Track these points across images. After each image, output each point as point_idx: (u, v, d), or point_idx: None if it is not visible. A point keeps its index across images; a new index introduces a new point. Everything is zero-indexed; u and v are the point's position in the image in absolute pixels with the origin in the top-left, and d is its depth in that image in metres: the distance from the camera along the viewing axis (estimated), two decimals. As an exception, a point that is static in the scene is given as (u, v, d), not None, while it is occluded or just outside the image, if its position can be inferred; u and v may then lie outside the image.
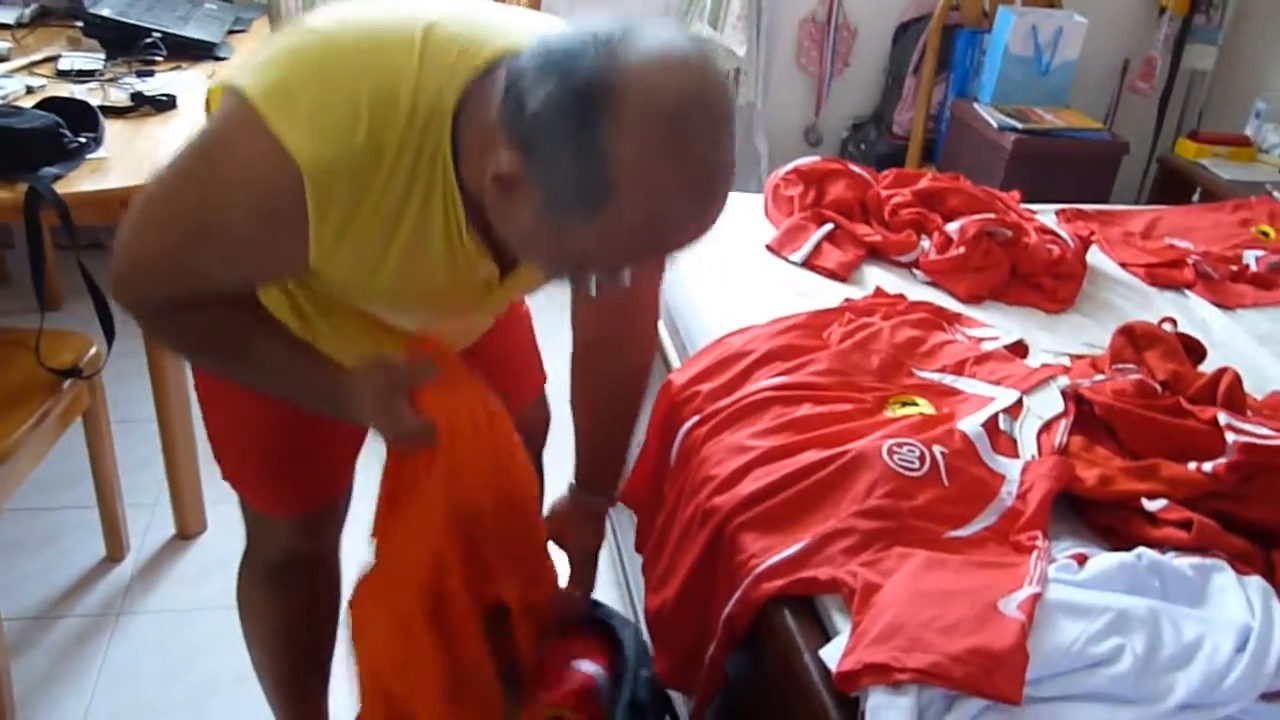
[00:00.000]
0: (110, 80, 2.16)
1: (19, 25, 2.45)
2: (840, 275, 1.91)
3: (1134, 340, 1.59)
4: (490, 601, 1.18)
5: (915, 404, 1.49)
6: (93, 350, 1.89)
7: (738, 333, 1.65)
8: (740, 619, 1.19)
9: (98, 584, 2.07)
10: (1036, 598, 1.07)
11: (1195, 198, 2.99)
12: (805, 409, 1.43)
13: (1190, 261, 2.12)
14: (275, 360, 1.06)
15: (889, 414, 1.46)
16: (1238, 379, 1.46)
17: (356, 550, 1.23)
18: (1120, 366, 1.55)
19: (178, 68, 2.31)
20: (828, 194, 2.13)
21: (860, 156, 3.48)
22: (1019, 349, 1.70)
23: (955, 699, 0.99)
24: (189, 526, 2.19)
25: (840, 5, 3.43)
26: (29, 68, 2.21)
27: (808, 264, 1.94)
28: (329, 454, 1.35)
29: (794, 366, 1.54)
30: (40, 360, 1.77)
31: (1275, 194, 2.65)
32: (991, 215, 2.01)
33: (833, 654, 1.05)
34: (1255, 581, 1.18)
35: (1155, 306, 1.96)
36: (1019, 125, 3.03)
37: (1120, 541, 1.25)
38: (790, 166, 2.22)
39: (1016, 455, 1.39)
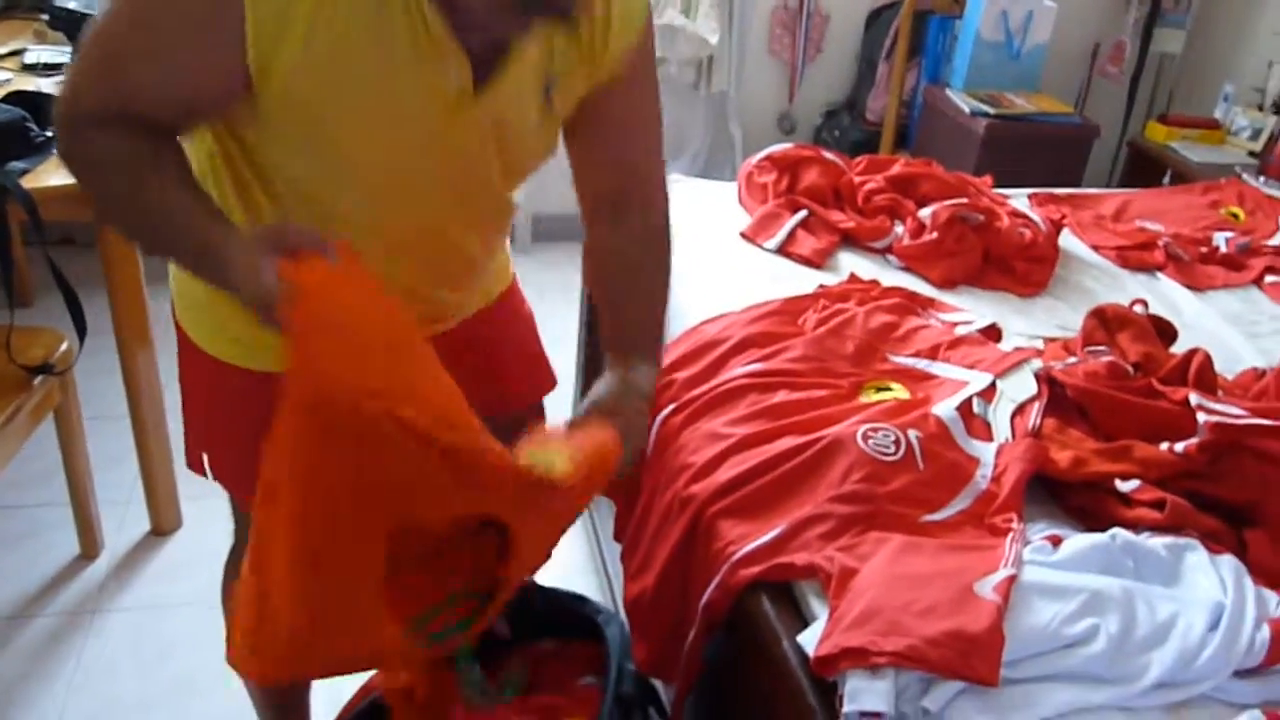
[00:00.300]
0: (76, 73, 2.13)
1: (-18, 18, 2.41)
2: (815, 262, 1.91)
3: (1106, 322, 1.60)
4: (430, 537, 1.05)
5: (890, 389, 1.50)
6: (64, 346, 1.87)
7: (713, 320, 1.65)
8: (718, 606, 1.19)
9: (71, 582, 2.05)
10: (1012, 580, 1.08)
11: (1166, 180, 3.02)
12: (781, 395, 1.44)
13: (1161, 244, 2.14)
14: (170, 202, 0.96)
15: (864, 399, 1.47)
16: (1208, 360, 1.48)
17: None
18: (1092, 349, 1.56)
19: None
20: (801, 181, 2.14)
21: (834, 143, 3.49)
22: (992, 333, 1.71)
23: (932, 681, 0.99)
24: (164, 523, 2.17)
25: (812, -9, 3.43)
26: (-7, 61, 2.18)
27: (782, 251, 1.94)
28: None
29: (769, 353, 1.54)
30: (11, 357, 1.75)
31: (1244, 176, 2.68)
32: (964, 200, 2.02)
33: (810, 639, 1.05)
34: (1227, 560, 1.19)
35: (1127, 289, 1.98)
36: (991, 110, 3.05)
37: (1094, 522, 1.26)
38: (764, 154, 2.22)
39: (990, 438, 1.40)
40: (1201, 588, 1.15)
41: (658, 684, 1.38)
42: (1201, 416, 1.32)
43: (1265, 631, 1.08)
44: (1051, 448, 1.34)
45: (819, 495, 1.23)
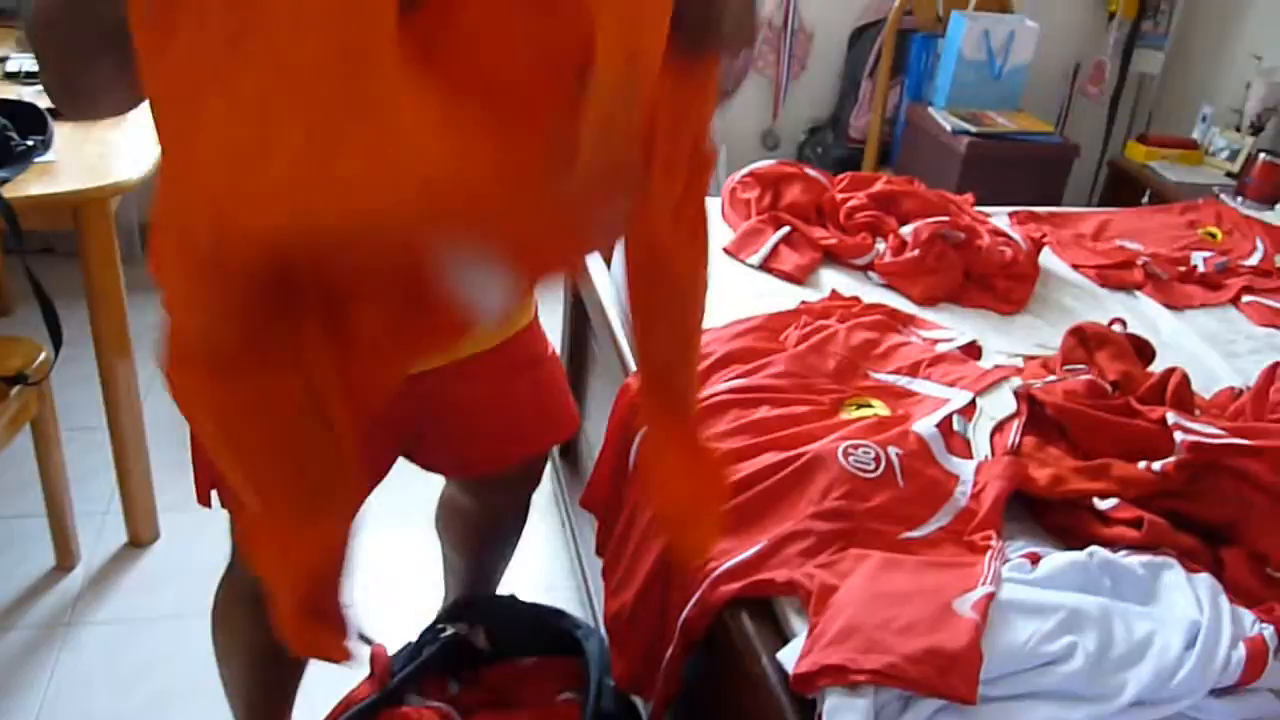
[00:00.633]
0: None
1: (-37, 26, 2.40)
2: (797, 278, 1.92)
3: (1084, 341, 1.61)
4: None
5: (871, 406, 1.50)
6: (41, 356, 1.85)
7: (695, 336, 1.65)
8: (698, 622, 1.19)
9: (47, 594, 2.03)
10: (990, 597, 1.08)
11: (1145, 200, 3.05)
12: (763, 411, 1.44)
13: (1140, 263, 2.16)
14: None
15: (845, 416, 1.47)
16: (1185, 379, 1.49)
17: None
18: (1071, 367, 1.57)
19: (127, 69, 2.27)
20: (784, 197, 2.15)
21: (817, 160, 3.50)
22: (973, 350, 1.72)
23: (911, 699, 1.00)
24: (141, 534, 2.15)
25: (796, 9, 3.45)
26: (-26, 69, 2.16)
27: (765, 267, 1.95)
28: None
29: (751, 369, 1.54)
30: (-14, 367, 1.74)
31: (1222, 196, 2.71)
32: (945, 218, 2.03)
33: (790, 656, 1.05)
34: (1204, 579, 1.20)
35: (1106, 307, 1.99)
36: (972, 129, 3.07)
37: (1073, 540, 1.26)
38: (746, 170, 2.23)
39: (970, 456, 1.41)
40: (1178, 606, 1.15)
41: (637, 700, 1.38)
42: (1179, 436, 1.33)
43: (1241, 650, 1.08)
44: (1031, 465, 1.35)
45: (800, 511, 1.24)
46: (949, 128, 3.11)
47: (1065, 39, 3.48)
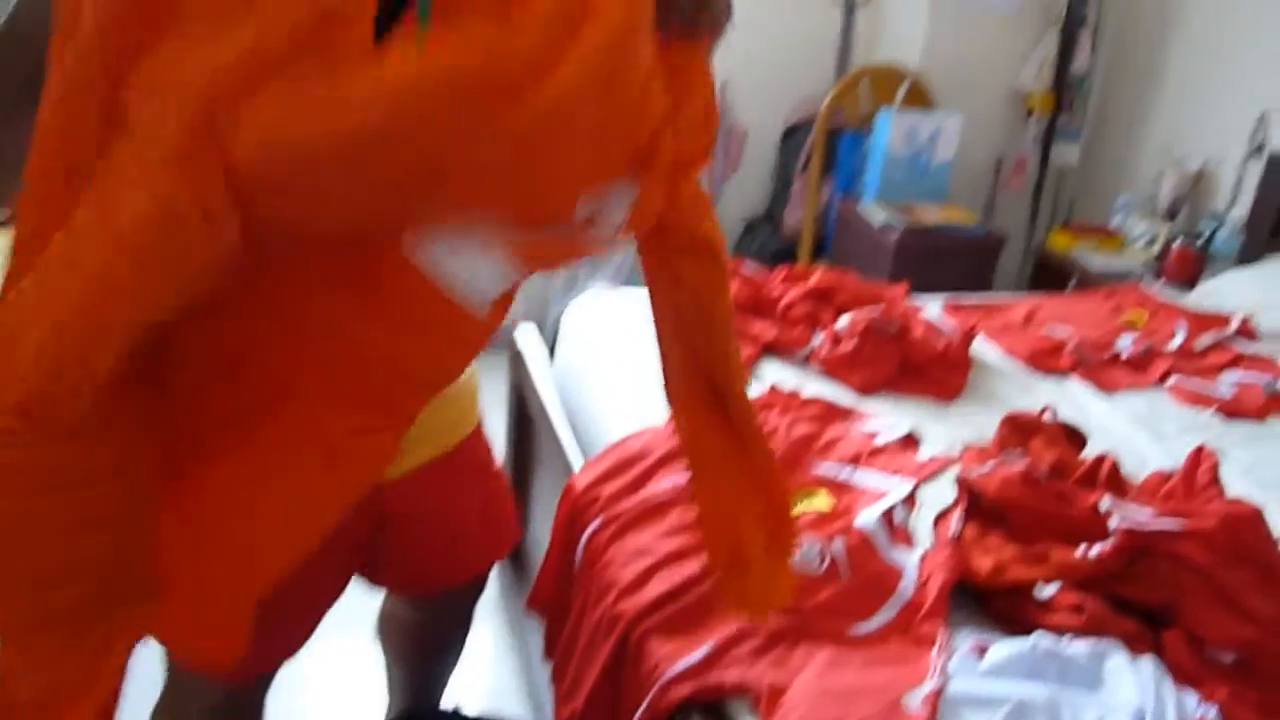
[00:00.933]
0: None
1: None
2: (737, 373, 1.94)
3: (1018, 429, 1.65)
4: None
5: (814, 499, 1.51)
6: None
7: (638, 434, 1.66)
8: (649, 728, 1.17)
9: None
10: (939, 692, 1.09)
11: (1071, 285, 3.14)
12: (707, 508, 1.44)
13: (1069, 349, 2.22)
14: None
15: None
16: (1116, 465, 1.53)
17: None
18: (1007, 456, 1.60)
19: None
20: None
21: (754, 254, 3.58)
22: (911, 440, 1.75)
23: (865, 800, 0.99)
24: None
25: (730, 109, 3.55)
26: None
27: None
28: (300, 601, 1.21)
29: (695, 466, 1.55)
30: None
31: (1143, 281, 2.81)
32: (879, 309, 2.08)
33: (742, 760, 1.04)
34: (1147, 662, 1.21)
35: (1038, 393, 2.04)
36: (902, 221, 3.16)
37: (1017, 628, 1.27)
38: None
39: (913, 547, 1.42)
40: (1123, 692, 1.16)
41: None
42: (1113, 521, 1.35)
43: (1186, 734, 1.10)
44: (972, 554, 1.36)
45: (747, 610, 1.23)
46: (880, 221, 3.20)
47: (987, 134, 3.62)
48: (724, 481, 1.01)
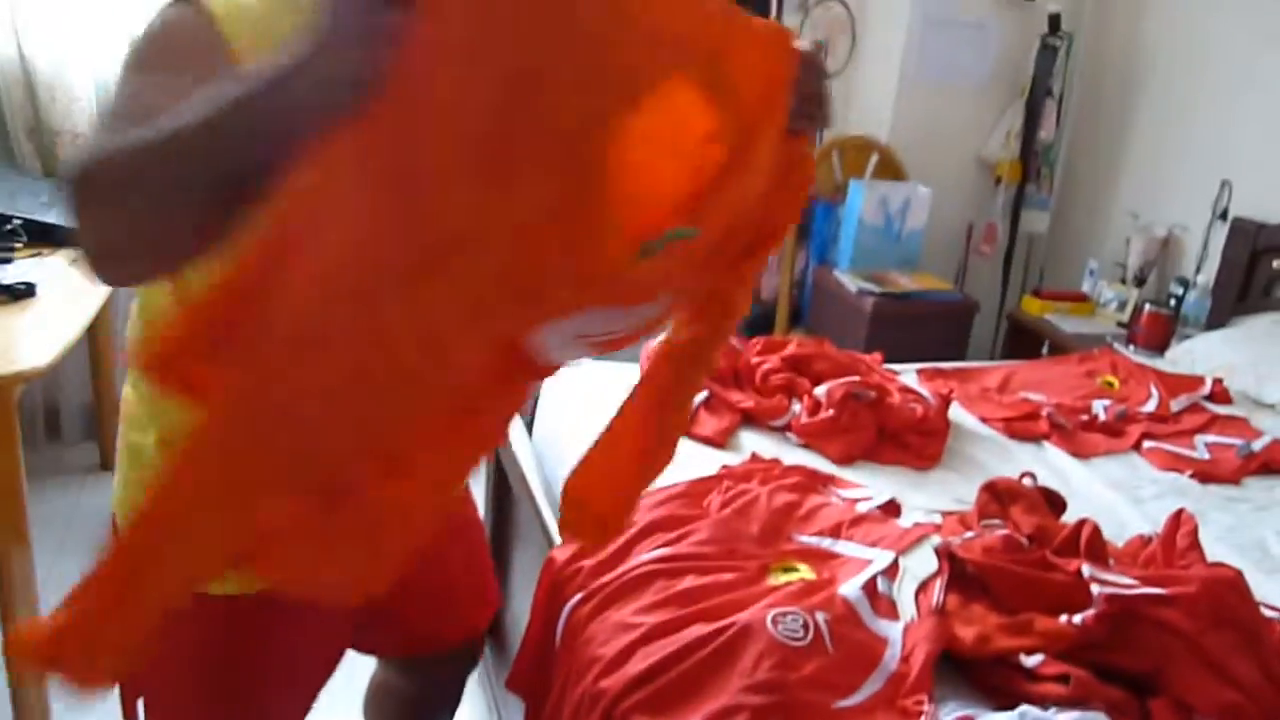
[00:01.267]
0: (-36, 270, 2.10)
1: None
2: (717, 441, 1.94)
3: (998, 496, 1.65)
4: None
5: (797, 570, 1.50)
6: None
7: (619, 505, 1.65)
8: (633, 809, 1.15)
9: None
10: (927, 766, 1.07)
11: (1045, 350, 3.17)
12: (689, 581, 1.43)
13: (1044, 414, 2.24)
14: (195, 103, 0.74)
15: (772, 581, 1.47)
16: (1097, 530, 1.53)
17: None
18: (988, 523, 1.60)
19: (38, 254, 2.26)
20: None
21: (731, 321, 3.60)
22: (892, 508, 1.74)
23: None
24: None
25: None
26: (-125, 259, 2.13)
27: (685, 433, 1.97)
28: (298, 674, 1.23)
29: (676, 537, 1.54)
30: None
31: (1115, 346, 2.84)
32: (856, 378, 2.09)
33: (729, 842, 1.02)
34: (1134, 731, 1.20)
35: (1015, 459, 2.05)
36: (876, 289, 3.20)
37: (1003, 699, 1.26)
38: (662, 337, 2.27)
39: (897, 617, 1.41)
40: (1112, 763, 1.15)
41: None
42: (1095, 588, 1.35)
43: (1177, 806, 1.08)
44: (956, 625, 1.35)
45: (731, 686, 1.22)
46: (854, 289, 3.23)
47: (957, 203, 3.68)
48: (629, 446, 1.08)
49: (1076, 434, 2.20)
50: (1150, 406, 2.36)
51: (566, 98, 0.70)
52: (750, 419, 2.05)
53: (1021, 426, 2.20)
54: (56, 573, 2.42)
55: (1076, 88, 3.61)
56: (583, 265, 0.77)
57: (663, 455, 1.08)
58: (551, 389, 2.22)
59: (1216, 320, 2.98)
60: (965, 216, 3.73)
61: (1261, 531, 1.84)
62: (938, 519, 1.72)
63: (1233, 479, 2.06)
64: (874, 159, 3.50)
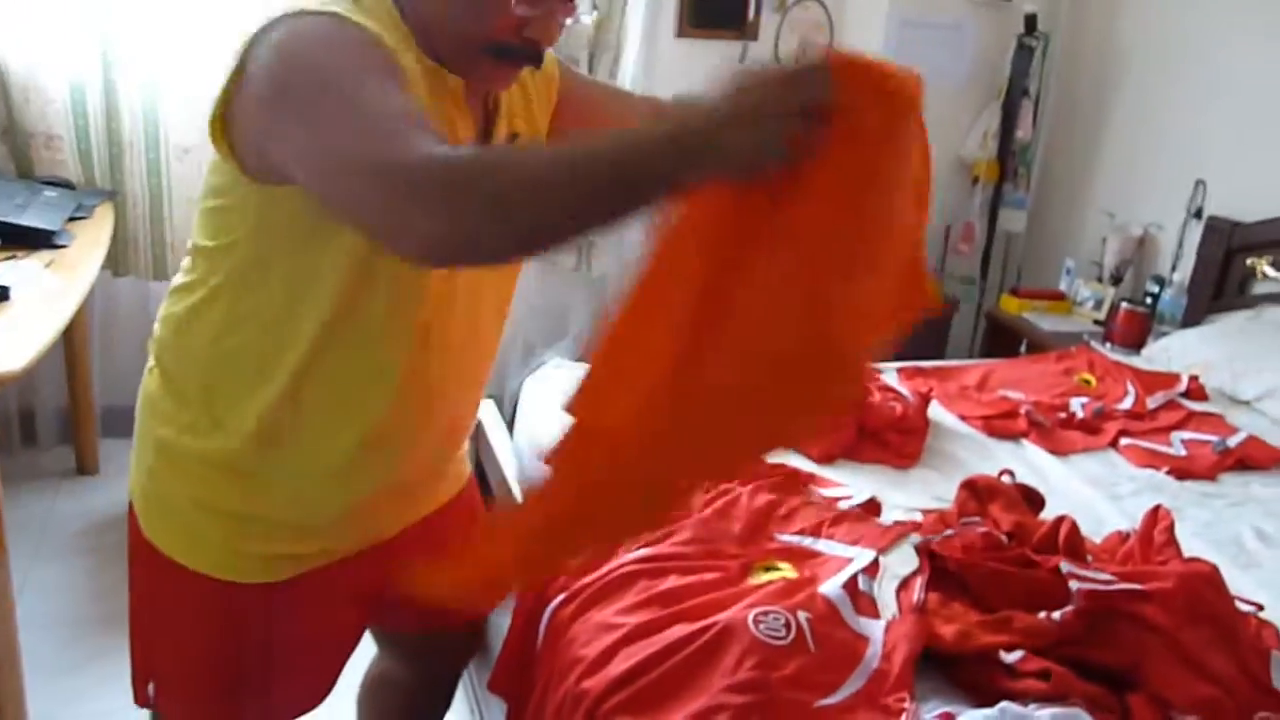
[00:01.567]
0: (-63, 273, 2.07)
1: None
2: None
3: (977, 494, 1.66)
4: None
5: (778, 568, 1.51)
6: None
7: (600, 506, 1.65)
8: (616, 810, 1.15)
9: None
10: (908, 764, 1.07)
11: (1023, 349, 3.19)
12: (671, 580, 1.43)
13: (1023, 412, 2.25)
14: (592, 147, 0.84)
15: (753, 580, 1.47)
16: (1075, 527, 1.54)
17: None
18: (967, 520, 1.61)
19: (13, 257, 2.24)
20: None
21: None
22: (872, 507, 1.75)
23: None
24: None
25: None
26: None
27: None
28: (321, 653, 1.27)
29: (658, 537, 1.54)
30: None
31: (1092, 344, 2.86)
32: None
33: (712, 841, 1.02)
34: (1112, 726, 1.21)
35: (995, 457, 2.06)
36: (856, 288, 3.20)
37: (984, 695, 1.27)
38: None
39: (878, 615, 1.42)
40: (1091, 758, 1.16)
41: None
42: (1074, 584, 1.36)
43: (1155, 800, 1.09)
44: (936, 622, 1.36)
45: (714, 685, 1.22)
46: (834, 288, 3.23)
47: (935, 202, 3.68)
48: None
49: (1055, 431, 2.21)
50: (1127, 404, 2.38)
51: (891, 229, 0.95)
52: (731, 419, 2.05)
53: (1000, 424, 2.21)
54: (33, 578, 2.40)
55: (1053, 88, 3.63)
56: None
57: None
58: (530, 391, 2.22)
59: (1192, 318, 3.00)
60: (943, 216, 3.74)
61: (1237, 527, 1.86)
62: (918, 517, 1.72)
63: (1209, 475, 2.08)
64: (852, 159, 3.51)
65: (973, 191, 3.67)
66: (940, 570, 1.49)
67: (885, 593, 1.48)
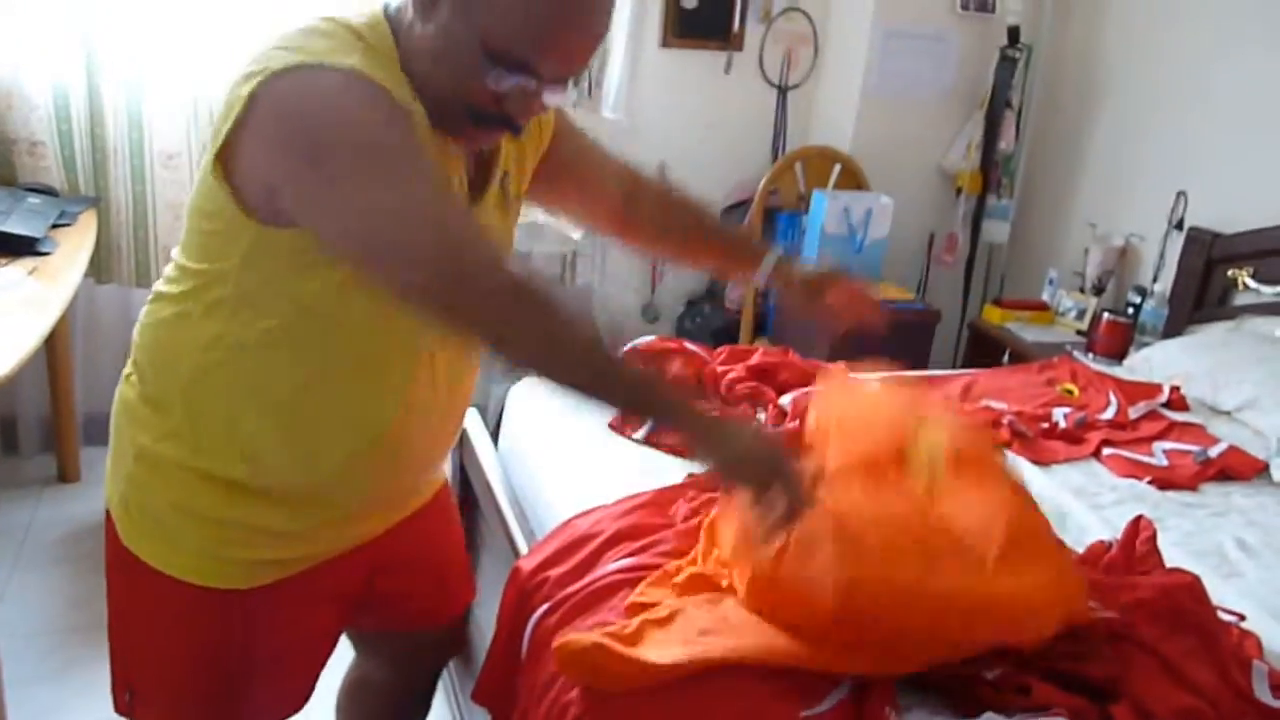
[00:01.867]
0: (-83, 280, 2.06)
1: None
2: (682, 451, 1.94)
3: (961, 503, 1.66)
4: None
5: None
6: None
7: (584, 514, 1.65)
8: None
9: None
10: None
11: (1006, 359, 3.21)
12: (655, 591, 1.43)
13: (1006, 421, 2.26)
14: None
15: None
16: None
17: None
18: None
19: (-7, 264, 2.22)
20: (665, 372, 2.19)
21: (696, 331, 3.61)
22: (857, 516, 1.75)
23: None
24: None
25: (668, 190, 3.60)
26: None
27: (649, 441, 1.97)
28: (300, 657, 1.28)
29: (642, 547, 1.54)
30: None
31: (1074, 354, 2.88)
32: (821, 387, 2.10)
33: None
34: (1096, 738, 1.22)
35: (979, 467, 2.06)
36: (841, 298, 3.21)
37: (967, 709, 1.27)
38: (628, 346, 2.28)
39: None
40: (1074, 768, 1.16)
41: None
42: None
43: (1138, 810, 1.09)
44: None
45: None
46: (819, 297, 3.24)
47: (919, 213, 3.72)
48: None
49: (1037, 441, 2.22)
50: (1109, 414, 2.40)
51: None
52: (716, 428, 2.05)
53: (984, 434, 2.22)
54: (14, 586, 2.38)
55: (1036, 99, 3.66)
56: None
57: None
58: (515, 400, 2.21)
59: (1173, 328, 3.03)
60: (927, 226, 3.77)
61: (1218, 537, 1.87)
62: (902, 527, 1.72)
63: (1190, 485, 2.09)
64: (836, 170, 3.53)
65: (956, 202, 3.69)
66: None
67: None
